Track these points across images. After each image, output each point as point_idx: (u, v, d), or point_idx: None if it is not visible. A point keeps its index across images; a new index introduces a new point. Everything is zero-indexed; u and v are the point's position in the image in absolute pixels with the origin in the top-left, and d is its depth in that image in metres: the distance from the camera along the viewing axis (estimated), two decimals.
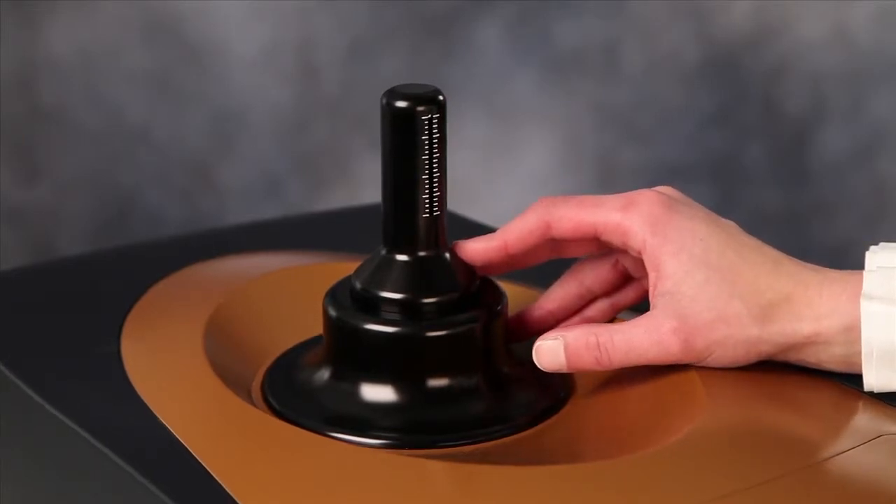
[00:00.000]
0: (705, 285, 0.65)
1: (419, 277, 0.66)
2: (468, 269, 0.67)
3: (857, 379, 0.66)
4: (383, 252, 0.66)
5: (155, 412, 0.64)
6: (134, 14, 1.42)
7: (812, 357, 0.66)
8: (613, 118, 1.58)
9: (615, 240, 0.67)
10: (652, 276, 0.66)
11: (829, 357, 0.66)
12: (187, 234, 1.14)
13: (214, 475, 0.59)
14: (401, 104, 0.64)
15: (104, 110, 1.43)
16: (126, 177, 1.45)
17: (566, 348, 0.66)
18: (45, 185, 1.43)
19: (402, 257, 0.66)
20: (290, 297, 0.75)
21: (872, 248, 0.67)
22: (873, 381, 0.65)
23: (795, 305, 0.65)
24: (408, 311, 0.65)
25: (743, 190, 1.59)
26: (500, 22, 1.52)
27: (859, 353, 0.65)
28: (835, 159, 1.63)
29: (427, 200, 0.65)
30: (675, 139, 1.59)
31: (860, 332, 0.64)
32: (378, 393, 0.65)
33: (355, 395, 0.65)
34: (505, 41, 1.53)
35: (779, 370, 0.67)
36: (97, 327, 0.71)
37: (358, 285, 0.66)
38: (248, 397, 0.67)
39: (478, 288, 0.67)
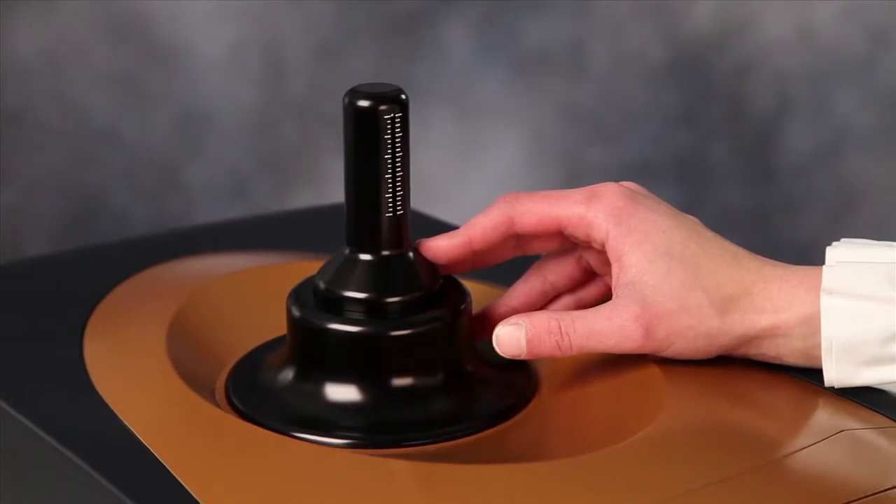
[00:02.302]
0: (668, 275, 0.65)
1: (383, 277, 0.66)
2: (432, 268, 0.67)
3: (817, 375, 0.66)
4: (347, 252, 0.66)
5: (117, 414, 0.63)
6: (99, 15, 1.41)
7: (772, 350, 0.66)
8: (580, 117, 1.58)
9: (579, 233, 0.67)
10: (615, 267, 0.66)
11: (788, 350, 0.66)
12: (151, 235, 1.14)
13: (177, 477, 0.59)
14: (363, 103, 0.64)
15: (70, 111, 1.43)
16: (92, 178, 1.44)
17: (527, 333, 0.65)
18: (11, 186, 1.42)
19: (365, 257, 0.66)
20: (254, 297, 0.74)
21: (833, 243, 0.67)
22: (833, 376, 0.65)
23: (755, 298, 0.66)
24: (371, 310, 0.65)
25: (709, 188, 1.59)
26: (466, 22, 1.52)
27: (818, 347, 0.65)
28: (800, 158, 1.64)
29: (390, 200, 0.65)
30: (641, 138, 1.60)
31: (819, 325, 0.65)
32: (342, 393, 0.65)
33: (319, 395, 0.65)
34: (471, 41, 1.53)
35: (741, 367, 0.67)
36: (59, 328, 0.71)
37: (321, 285, 0.66)
38: (211, 398, 0.66)
39: (442, 287, 0.67)
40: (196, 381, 0.66)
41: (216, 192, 1.48)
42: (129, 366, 0.68)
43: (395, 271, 0.66)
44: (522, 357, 0.66)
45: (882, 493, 0.59)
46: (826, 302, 0.65)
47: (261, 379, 0.67)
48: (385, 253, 0.66)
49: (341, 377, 0.65)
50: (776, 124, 1.63)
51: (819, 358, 0.65)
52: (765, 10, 1.60)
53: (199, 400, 0.64)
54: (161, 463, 0.60)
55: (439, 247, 0.68)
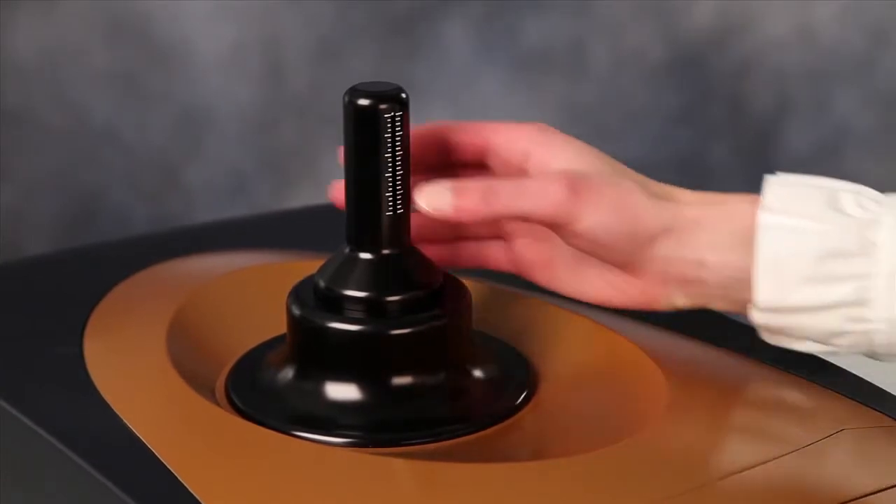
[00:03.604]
0: (596, 162, 0.66)
1: (383, 276, 0.66)
2: (432, 267, 0.67)
3: (818, 374, 0.66)
4: (347, 251, 0.66)
5: (118, 413, 0.63)
6: (99, 14, 1.41)
7: (696, 253, 0.66)
8: (580, 116, 1.58)
9: (504, 149, 0.67)
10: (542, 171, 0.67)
11: (715, 260, 0.66)
12: (152, 234, 1.14)
13: (178, 476, 0.59)
14: (363, 102, 0.64)
15: (69, 110, 1.43)
16: (92, 177, 1.44)
17: (453, 186, 0.65)
18: (10, 186, 1.42)
19: (365, 256, 0.66)
20: (255, 296, 0.74)
21: (775, 174, 0.68)
22: (766, 295, 0.65)
23: (683, 195, 0.67)
24: (371, 309, 0.65)
25: (709, 188, 1.59)
26: (466, 21, 1.53)
27: (746, 269, 0.65)
28: (800, 157, 1.64)
29: (391, 199, 0.65)
30: (641, 137, 1.60)
31: (749, 238, 0.65)
32: (342, 392, 0.65)
33: (319, 393, 0.65)
34: (471, 40, 1.53)
35: (741, 366, 0.67)
36: (60, 328, 0.71)
37: (322, 284, 0.66)
38: (211, 397, 0.66)
39: (442, 286, 0.67)
40: (196, 380, 0.67)
41: (216, 192, 1.48)
42: (129, 365, 0.68)
43: (396, 270, 0.66)
44: (449, 212, 0.65)
45: (882, 492, 0.59)
46: (764, 218, 0.65)
47: (261, 378, 0.67)
48: (385, 252, 0.66)
49: (341, 376, 0.65)
50: (776, 124, 1.63)
51: (745, 284, 0.65)
52: (765, 10, 1.60)
53: (199, 399, 0.65)
54: (161, 462, 0.60)
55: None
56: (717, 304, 0.68)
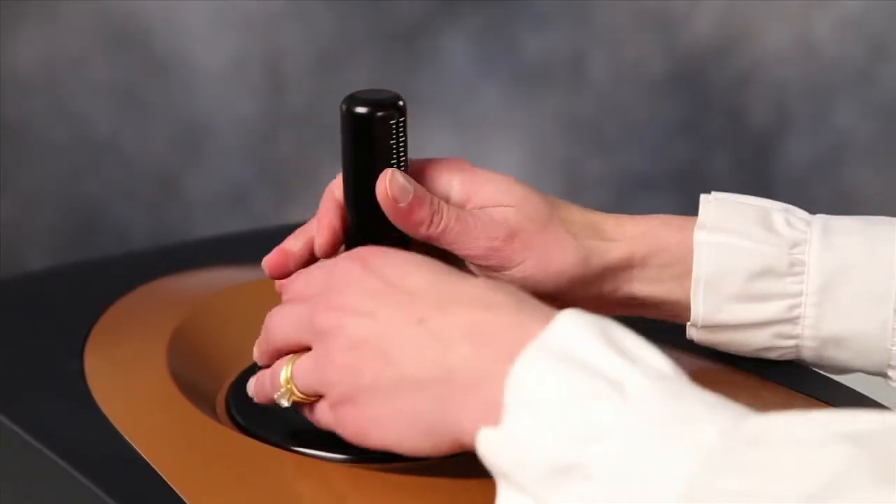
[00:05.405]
0: (526, 199, 0.66)
1: None
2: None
3: (808, 385, 0.67)
4: None
5: (117, 428, 0.63)
6: (99, 26, 1.42)
7: (633, 288, 0.67)
8: (580, 128, 1.58)
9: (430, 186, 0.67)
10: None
11: (650, 290, 0.67)
12: (152, 248, 1.14)
13: (178, 491, 0.59)
14: (360, 110, 0.64)
15: (69, 123, 1.43)
16: (92, 189, 1.45)
17: (415, 189, 0.65)
18: (11, 198, 1.43)
19: None
20: (255, 310, 0.74)
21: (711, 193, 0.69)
22: (699, 310, 0.67)
23: (609, 230, 0.67)
24: None
25: None
26: (466, 33, 1.53)
27: (681, 286, 0.66)
28: (799, 168, 1.64)
29: None
30: (641, 149, 1.60)
31: (677, 260, 0.66)
32: None
33: None
34: (471, 52, 1.54)
35: (730, 379, 0.68)
36: (61, 343, 0.71)
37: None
38: (212, 412, 0.67)
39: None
40: (196, 395, 0.67)
41: (216, 203, 1.49)
42: (129, 380, 0.68)
43: None
44: (400, 203, 0.64)
45: None
46: (698, 236, 0.66)
47: None
48: None
49: None
50: (775, 136, 1.63)
51: (681, 304, 0.67)
52: (764, 22, 1.61)
53: (199, 414, 0.65)
54: (161, 477, 0.60)
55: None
56: (655, 316, 0.70)
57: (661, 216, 0.68)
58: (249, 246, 0.88)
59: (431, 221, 0.65)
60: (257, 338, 0.69)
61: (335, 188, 0.67)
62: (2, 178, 1.42)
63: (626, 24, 1.57)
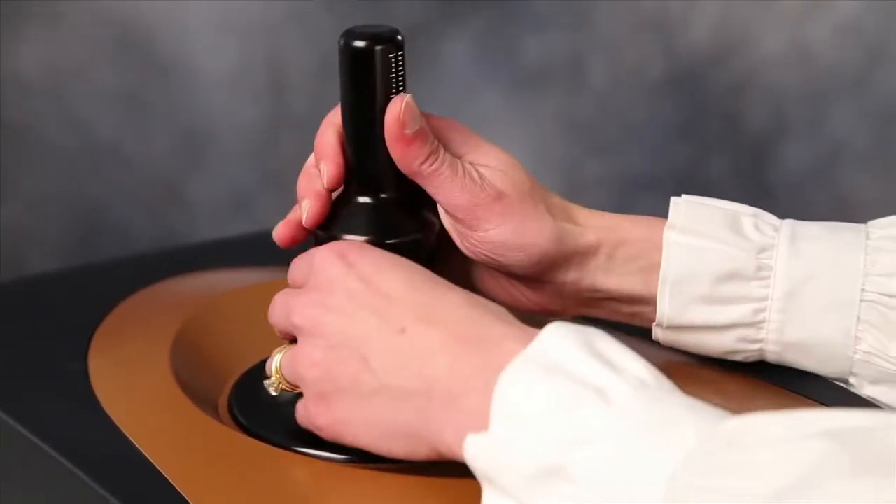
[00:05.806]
0: (513, 167, 0.67)
1: (382, 219, 0.65)
2: (432, 211, 0.67)
3: (798, 384, 0.67)
4: (344, 195, 0.66)
5: (121, 428, 0.64)
6: (103, 32, 1.42)
7: (599, 278, 0.68)
8: (579, 131, 1.59)
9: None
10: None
11: (617, 283, 0.68)
12: (156, 251, 1.14)
13: (181, 491, 0.59)
14: (358, 44, 0.64)
15: (73, 127, 1.43)
16: (95, 193, 1.45)
17: (423, 122, 0.65)
18: (14, 202, 1.43)
19: (364, 200, 0.66)
20: (258, 313, 0.75)
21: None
22: (665, 310, 0.67)
23: (580, 218, 0.68)
24: None
25: None
26: (466, 36, 1.53)
27: (647, 283, 0.67)
28: (796, 174, 1.64)
29: None
30: (639, 152, 1.61)
31: (643, 254, 0.67)
32: None
33: None
34: (472, 55, 1.54)
35: (721, 377, 0.68)
36: (65, 344, 0.72)
37: (319, 232, 0.66)
38: (214, 413, 0.67)
39: (440, 231, 0.67)
40: (199, 397, 0.67)
41: (219, 208, 1.49)
42: (133, 381, 0.69)
43: (395, 214, 0.66)
44: (406, 129, 0.64)
45: None
46: (668, 235, 0.67)
47: (264, 394, 0.68)
48: (384, 196, 0.66)
49: None
50: (773, 140, 1.64)
51: (644, 299, 0.67)
52: (762, 28, 1.61)
53: (202, 415, 0.65)
54: (164, 477, 0.60)
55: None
56: (621, 319, 0.70)
57: (631, 215, 0.69)
58: (251, 249, 0.88)
59: (427, 158, 0.65)
60: (259, 340, 0.70)
61: (334, 118, 0.67)
62: (5, 182, 1.42)
63: (625, 29, 1.58)
